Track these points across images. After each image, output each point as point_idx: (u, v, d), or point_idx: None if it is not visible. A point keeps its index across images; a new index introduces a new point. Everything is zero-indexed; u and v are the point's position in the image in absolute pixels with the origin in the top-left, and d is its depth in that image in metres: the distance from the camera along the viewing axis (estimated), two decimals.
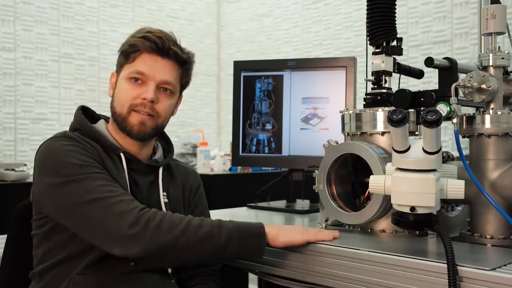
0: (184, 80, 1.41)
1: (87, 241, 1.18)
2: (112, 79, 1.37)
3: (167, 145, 1.48)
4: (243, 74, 2.02)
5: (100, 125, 1.35)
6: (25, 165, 2.79)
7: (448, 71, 1.38)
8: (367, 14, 1.42)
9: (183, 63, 1.37)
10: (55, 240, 1.23)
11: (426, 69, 1.45)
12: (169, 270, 1.33)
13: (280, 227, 1.22)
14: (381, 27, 1.40)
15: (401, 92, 1.37)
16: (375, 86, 1.44)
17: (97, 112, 1.42)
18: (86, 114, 1.36)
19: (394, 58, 1.44)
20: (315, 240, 1.18)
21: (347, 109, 1.44)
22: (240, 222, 1.20)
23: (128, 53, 1.32)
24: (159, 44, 1.30)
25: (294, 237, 1.18)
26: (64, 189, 1.16)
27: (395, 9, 1.42)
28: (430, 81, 2.60)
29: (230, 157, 2.57)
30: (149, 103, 1.30)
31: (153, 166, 1.37)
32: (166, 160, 1.41)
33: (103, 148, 1.29)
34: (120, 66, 1.34)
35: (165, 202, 1.35)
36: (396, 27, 1.42)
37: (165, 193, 1.36)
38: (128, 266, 1.22)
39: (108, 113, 1.43)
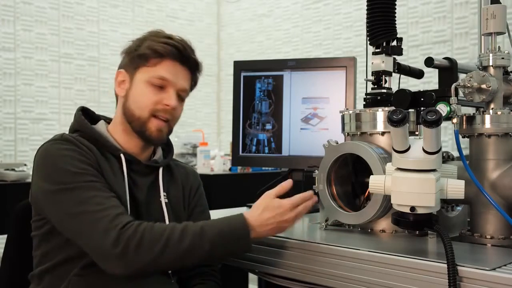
0: (193, 87, 1.43)
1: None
2: (121, 78, 1.35)
3: (167, 145, 1.48)
4: (243, 74, 2.01)
5: (100, 126, 1.35)
6: (25, 165, 2.80)
7: (448, 71, 1.38)
8: (367, 14, 1.42)
9: (196, 71, 1.40)
10: (54, 242, 1.23)
11: (426, 69, 1.45)
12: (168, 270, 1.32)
13: (262, 224, 1.19)
14: (381, 27, 1.40)
15: (401, 92, 1.37)
16: (375, 86, 1.44)
17: (97, 112, 1.42)
18: (86, 115, 1.36)
19: (394, 58, 1.44)
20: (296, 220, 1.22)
21: (347, 109, 1.44)
22: (223, 224, 1.18)
23: (147, 56, 1.31)
24: (182, 52, 1.33)
25: (277, 231, 1.21)
26: (56, 196, 1.17)
27: (395, 9, 1.42)
28: (430, 81, 2.59)
29: (230, 157, 2.57)
30: (170, 110, 1.32)
31: (153, 167, 1.37)
32: (166, 161, 1.41)
33: (103, 150, 1.29)
34: (135, 67, 1.33)
35: (165, 203, 1.35)
36: (396, 27, 1.42)
37: (165, 194, 1.36)
38: None
39: (108, 113, 1.43)
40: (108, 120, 1.40)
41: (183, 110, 1.41)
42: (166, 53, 1.31)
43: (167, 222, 1.32)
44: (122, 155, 1.30)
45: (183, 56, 1.33)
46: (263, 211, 1.19)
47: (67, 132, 1.33)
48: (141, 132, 1.32)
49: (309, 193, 1.25)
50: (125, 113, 1.33)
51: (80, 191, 1.16)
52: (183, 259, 1.14)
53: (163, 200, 1.35)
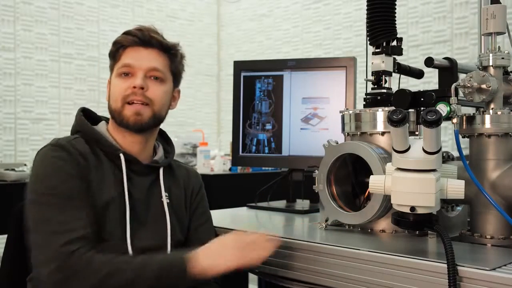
0: (174, 68, 1.39)
1: None
2: (108, 84, 1.39)
3: (168, 145, 1.48)
4: (243, 74, 2.02)
5: (101, 126, 1.36)
6: (25, 165, 2.79)
7: (448, 71, 1.38)
8: (367, 14, 1.42)
9: (167, 49, 1.38)
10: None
11: (426, 69, 1.45)
12: None
13: (208, 257, 1.19)
14: (381, 27, 1.40)
15: (401, 92, 1.37)
16: (375, 86, 1.44)
17: (98, 113, 1.42)
18: (87, 116, 1.36)
19: (394, 58, 1.44)
20: (249, 264, 1.19)
21: (347, 109, 1.44)
22: (167, 259, 1.19)
23: (114, 53, 1.35)
24: (139, 36, 1.33)
25: (223, 267, 1.18)
26: (30, 207, 1.21)
27: (395, 9, 1.42)
28: (430, 81, 2.59)
29: (230, 157, 2.57)
30: (139, 90, 1.30)
31: (153, 167, 1.37)
32: (167, 161, 1.41)
33: (102, 151, 1.30)
34: (111, 69, 1.37)
35: (167, 203, 1.35)
36: (396, 27, 1.42)
37: (167, 194, 1.36)
38: None
39: (108, 114, 1.43)
40: (108, 121, 1.40)
41: (176, 100, 1.42)
42: (127, 43, 1.33)
43: (168, 222, 1.32)
44: (121, 155, 1.30)
45: (143, 39, 1.33)
46: (213, 243, 1.22)
47: (68, 133, 1.34)
48: (121, 122, 1.32)
49: (262, 234, 1.24)
50: (110, 113, 1.35)
51: (46, 207, 1.18)
52: None
53: (165, 200, 1.35)
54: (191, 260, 1.17)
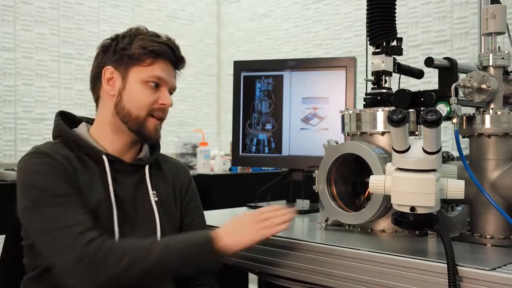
0: None
1: None
2: (109, 75, 1.34)
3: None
4: (243, 74, 2.02)
5: (81, 128, 1.35)
6: None
7: (448, 71, 1.38)
8: (367, 14, 1.42)
9: (181, 68, 1.42)
10: (36, 253, 1.23)
11: (426, 69, 1.45)
12: None
13: (229, 233, 1.20)
14: (381, 27, 1.40)
15: (401, 92, 1.37)
16: (375, 86, 1.44)
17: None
18: (66, 119, 1.36)
19: (394, 58, 1.44)
20: (269, 236, 1.19)
21: (347, 109, 1.44)
22: (190, 239, 1.20)
23: (141, 55, 1.31)
24: (175, 52, 1.35)
25: (245, 242, 1.19)
26: (27, 214, 1.20)
27: (395, 9, 1.42)
28: (430, 81, 2.59)
29: (230, 157, 2.57)
30: (165, 109, 1.35)
31: (139, 165, 1.36)
32: (153, 157, 1.40)
33: (83, 153, 1.29)
34: (126, 66, 1.32)
35: (155, 201, 1.33)
36: (396, 27, 1.43)
37: (154, 192, 1.35)
38: None
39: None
40: (91, 121, 1.39)
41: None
42: (161, 53, 1.32)
43: (157, 220, 1.31)
44: (104, 156, 1.29)
45: (176, 56, 1.36)
46: (232, 220, 1.23)
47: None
48: (139, 131, 1.32)
49: (279, 206, 1.25)
50: (118, 113, 1.32)
51: (46, 209, 1.17)
52: (150, 274, 1.14)
53: (153, 198, 1.33)
54: (215, 238, 1.18)
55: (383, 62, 1.41)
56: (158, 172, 1.41)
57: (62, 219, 1.16)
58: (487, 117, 1.22)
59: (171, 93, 1.37)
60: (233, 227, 1.22)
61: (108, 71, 1.34)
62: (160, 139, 1.39)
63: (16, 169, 1.27)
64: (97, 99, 1.39)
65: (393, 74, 1.44)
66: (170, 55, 1.34)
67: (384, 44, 1.41)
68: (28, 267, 1.28)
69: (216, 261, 1.19)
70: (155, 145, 1.44)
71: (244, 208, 1.95)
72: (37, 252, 1.22)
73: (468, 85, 1.21)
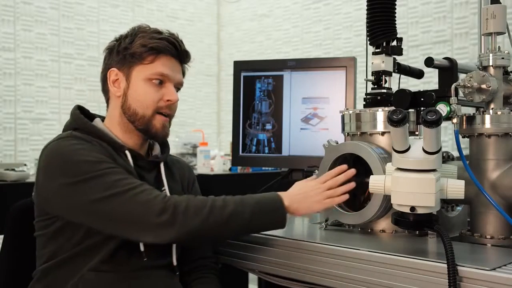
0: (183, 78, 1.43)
1: (98, 239, 1.20)
2: (114, 77, 1.34)
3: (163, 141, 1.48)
4: (243, 74, 2.01)
5: (98, 123, 1.35)
6: (25, 165, 2.79)
7: (448, 71, 1.38)
8: (367, 14, 1.42)
9: (187, 62, 1.41)
10: (65, 238, 1.23)
11: (426, 69, 1.45)
12: (174, 263, 1.34)
13: (297, 200, 1.25)
14: (381, 27, 1.40)
15: (401, 92, 1.37)
16: (375, 86, 1.44)
17: (99, 113, 1.42)
18: (82, 114, 1.36)
19: (394, 58, 1.44)
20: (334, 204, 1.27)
21: (347, 109, 1.44)
22: (259, 197, 1.23)
23: (142, 53, 1.31)
24: (177, 47, 1.34)
25: (313, 208, 1.26)
26: (82, 187, 1.17)
27: (395, 9, 1.42)
28: (430, 81, 2.59)
29: (230, 157, 2.56)
30: (173, 105, 1.35)
31: (155, 162, 1.38)
32: (165, 156, 1.43)
33: (109, 146, 1.29)
34: (129, 66, 1.32)
35: None
36: (396, 27, 1.42)
37: (168, 188, 1.37)
38: (141, 261, 1.25)
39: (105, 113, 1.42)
40: (102, 119, 1.39)
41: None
42: (162, 49, 1.31)
43: None
44: (127, 152, 1.30)
45: (178, 50, 1.35)
46: (294, 187, 1.29)
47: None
48: (146, 130, 1.33)
49: (340, 168, 1.29)
50: (125, 113, 1.33)
51: (106, 176, 1.18)
52: (227, 225, 1.18)
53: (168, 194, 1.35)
54: (284, 198, 1.23)
55: (383, 62, 1.41)
56: (168, 170, 1.43)
57: (129, 183, 1.18)
58: (487, 117, 1.22)
59: (178, 89, 1.37)
60: (297, 196, 1.26)
61: (113, 73, 1.35)
62: (168, 137, 1.39)
63: (42, 154, 1.24)
64: (107, 100, 1.40)
65: (393, 74, 1.44)
66: (172, 50, 1.33)
67: (384, 44, 1.41)
68: (44, 257, 1.26)
69: (284, 219, 1.22)
70: (165, 143, 1.45)
71: None
72: (66, 237, 1.22)
73: (468, 85, 1.21)
